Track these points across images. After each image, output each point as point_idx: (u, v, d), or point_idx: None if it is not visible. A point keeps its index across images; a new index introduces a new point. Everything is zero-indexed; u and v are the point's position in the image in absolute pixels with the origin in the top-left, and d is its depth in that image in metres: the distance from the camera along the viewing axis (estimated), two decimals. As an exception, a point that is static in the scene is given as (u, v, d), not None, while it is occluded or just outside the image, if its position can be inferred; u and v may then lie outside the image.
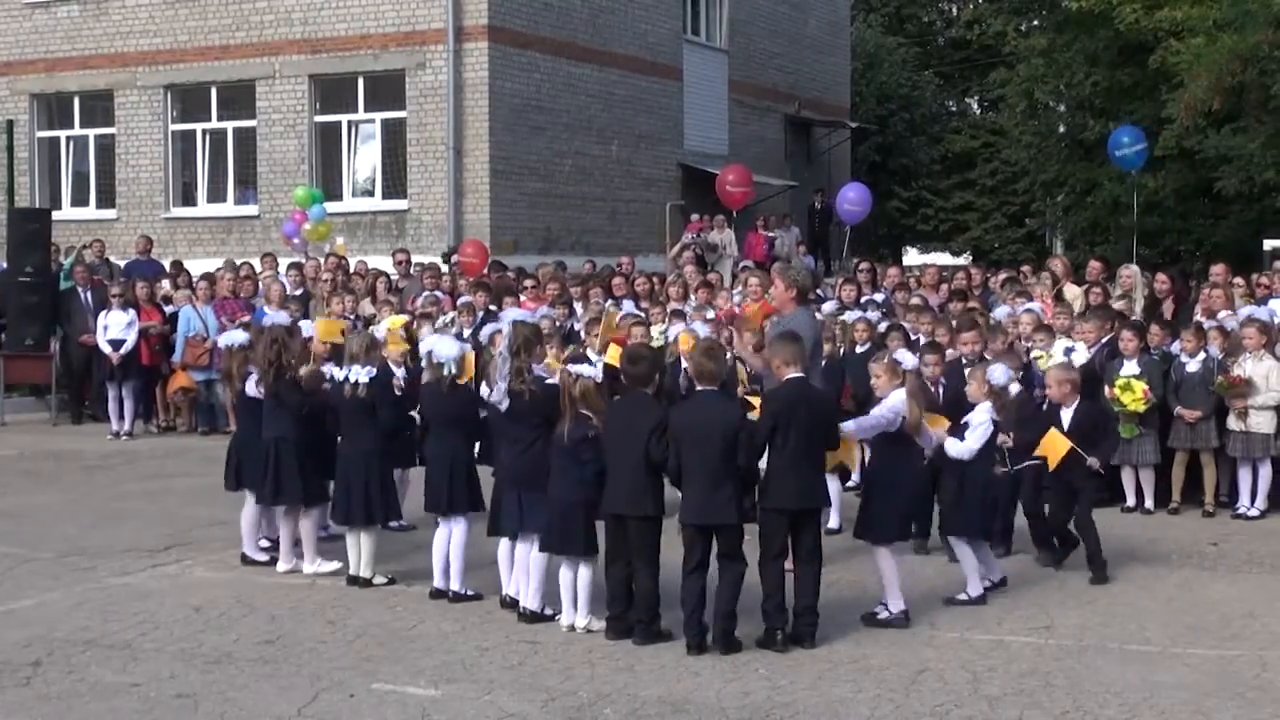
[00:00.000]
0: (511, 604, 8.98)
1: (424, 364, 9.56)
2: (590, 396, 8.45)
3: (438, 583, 9.40)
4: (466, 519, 9.39)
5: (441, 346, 9.50)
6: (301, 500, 10.07)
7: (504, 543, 9.05)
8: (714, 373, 8.36)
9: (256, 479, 10.20)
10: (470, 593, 9.32)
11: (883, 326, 13.52)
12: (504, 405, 8.90)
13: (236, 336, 10.75)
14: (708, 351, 8.50)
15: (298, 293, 17.56)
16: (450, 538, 9.36)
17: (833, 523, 11.46)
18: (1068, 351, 12.56)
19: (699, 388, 8.46)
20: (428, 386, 9.60)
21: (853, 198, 23.96)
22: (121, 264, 21.80)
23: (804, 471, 8.23)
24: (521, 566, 8.86)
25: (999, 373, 9.25)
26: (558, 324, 13.69)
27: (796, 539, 8.30)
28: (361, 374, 9.70)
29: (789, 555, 8.29)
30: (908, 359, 9.08)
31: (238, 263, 20.04)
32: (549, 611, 8.74)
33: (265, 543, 10.61)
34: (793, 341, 8.62)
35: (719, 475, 8.07)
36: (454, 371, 9.39)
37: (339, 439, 9.95)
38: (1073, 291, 15.26)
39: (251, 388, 10.30)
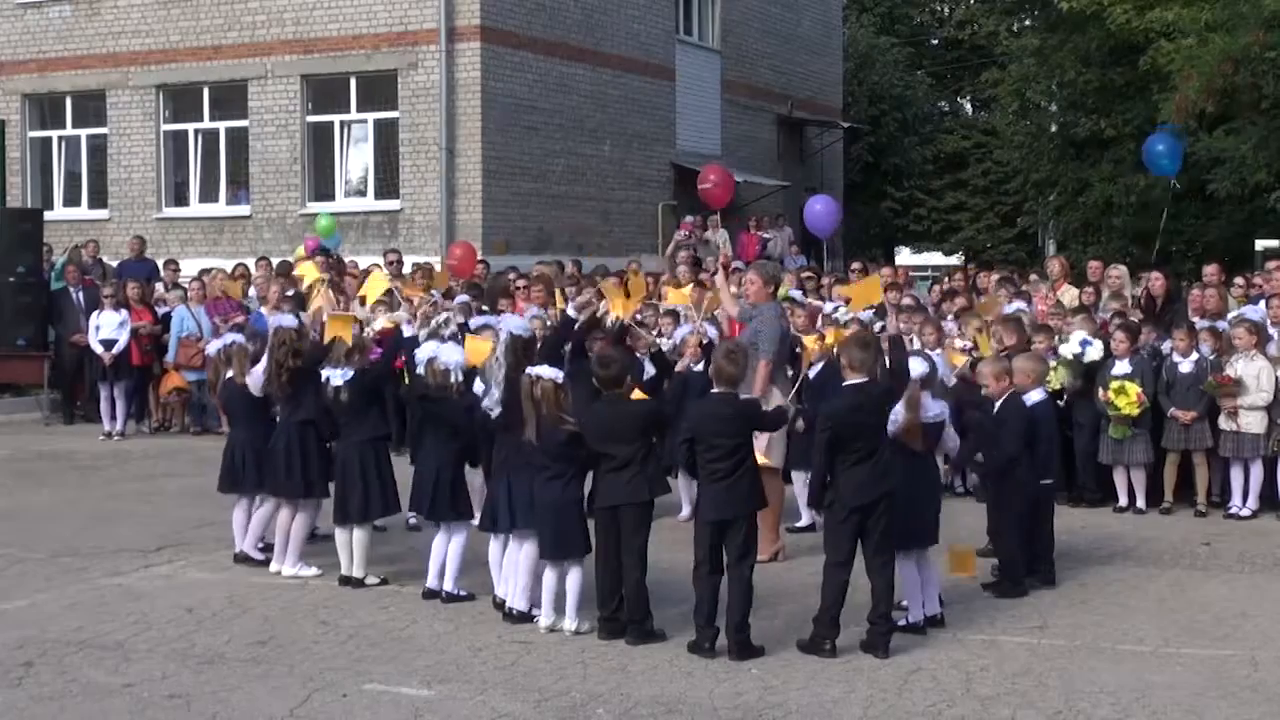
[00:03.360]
0: (503, 605, 8.99)
1: (422, 370, 9.54)
2: (550, 398, 8.46)
3: (431, 583, 9.41)
4: (467, 525, 9.39)
5: (445, 353, 9.49)
6: (327, 492, 10.09)
7: (494, 544, 9.06)
8: (732, 376, 8.37)
9: (274, 474, 10.17)
10: (463, 593, 9.32)
11: (878, 327, 13.53)
12: (495, 413, 8.94)
13: (214, 346, 10.78)
14: (728, 355, 8.49)
15: (289, 293, 17.52)
16: (449, 543, 9.37)
17: (804, 520, 11.49)
18: (1084, 344, 12.57)
19: (715, 389, 8.46)
20: (423, 391, 9.59)
21: (820, 210, 23.82)
22: (114, 264, 21.75)
23: (867, 468, 8.17)
24: (511, 566, 8.87)
25: (915, 366, 8.74)
26: (548, 324, 13.64)
27: (865, 540, 8.22)
28: (336, 376, 9.73)
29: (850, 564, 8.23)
30: (914, 368, 8.72)
31: (231, 264, 20.03)
32: (536, 612, 8.74)
33: (260, 543, 10.60)
34: (863, 348, 8.55)
35: (736, 471, 8.12)
36: (459, 378, 9.40)
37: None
38: (1070, 294, 15.27)
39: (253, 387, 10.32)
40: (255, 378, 10.29)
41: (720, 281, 12.13)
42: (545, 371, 8.57)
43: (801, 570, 9.55)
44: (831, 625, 8.11)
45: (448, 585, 9.33)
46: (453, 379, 9.38)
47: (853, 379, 8.39)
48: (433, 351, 9.53)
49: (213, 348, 10.98)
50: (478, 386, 9.40)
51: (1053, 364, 12.09)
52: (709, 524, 8.18)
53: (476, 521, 9.37)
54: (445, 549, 9.37)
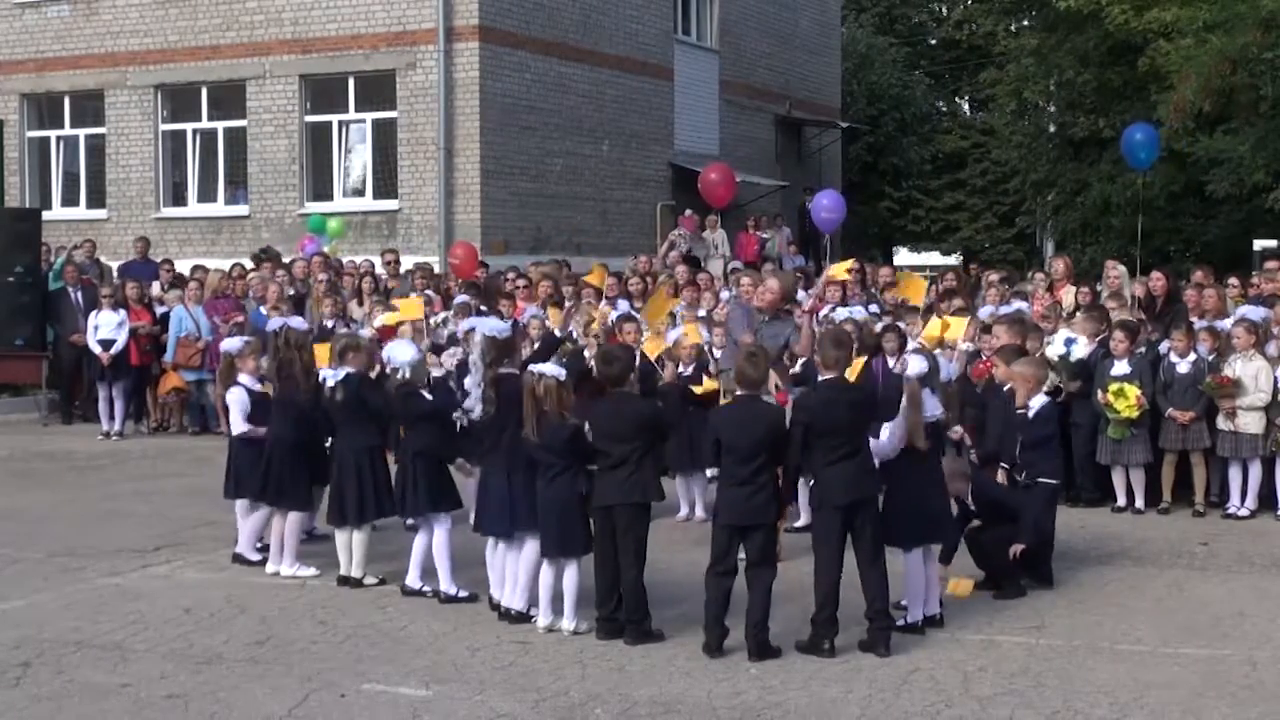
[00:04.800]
0: (498, 607, 8.99)
1: (388, 369, 9.64)
2: (553, 396, 8.46)
3: (409, 580, 9.41)
4: (446, 519, 9.41)
5: (396, 351, 9.56)
6: (299, 503, 10.12)
7: (490, 543, 9.06)
8: (755, 379, 8.34)
9: (255, 480, 10.19)
10: (462, 594, 9.31)
11: (878, 327, 13.53)
12: (475, 413, 8.95)
13: (234, 344, 10.74)
14: (750, 358, 8.46)
15: (289, 293, 17.54)
16: (429, 539, 9.39)
17: (801, 520, 11.50)
18: (1068, 343, 12.58)
19: (739, 392, 8.41)
20: (395, 390, 9.66)
21: (826, 204, 23.89)
22: (114, 265, 21.75)
23: (851, 466, 8.14)
24: (509, 567, 8.86)
25: (915, 363, 8.67)
26: (546, 323, 13.64)
27: (855, 539, 8.20)
28: (330, 376, 9.77)
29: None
30: (914, 365, 8.67)
31: (229, 264, 20.03)
32: (534, 612, 8.74)
33: (259, 543, 10.59)
34: (836, 346, 8.51)
35: (756, 477, 8.11)
36: (407, 376, 9.44)
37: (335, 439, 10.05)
38: (1072, 293, 15.26)
39: (247, 383, 10.30)
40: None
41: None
42: (548, 369, 8.57)
43: (800, 570, 9.50)
44: (828, 624, 8.10)
45: (442, 585, 9.33)
46: (400, 377, 9.43)
47: (825, 375, 8.41)
48: (387, 352, 9.62)
49: (232, 344, 10.86)
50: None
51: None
52: (726, 528, 8.16)
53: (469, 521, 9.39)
54: (424, 546, 9.39)
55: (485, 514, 8.95)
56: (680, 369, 12.12)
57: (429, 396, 9.54)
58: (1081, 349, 12.62)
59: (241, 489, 10.44)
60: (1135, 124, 20.90)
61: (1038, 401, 10.00)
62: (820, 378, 8.50)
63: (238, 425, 10.38)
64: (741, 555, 8.25)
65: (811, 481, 11.95)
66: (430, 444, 9.45)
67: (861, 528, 8.19)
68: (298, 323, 10.51)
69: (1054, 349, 12.47)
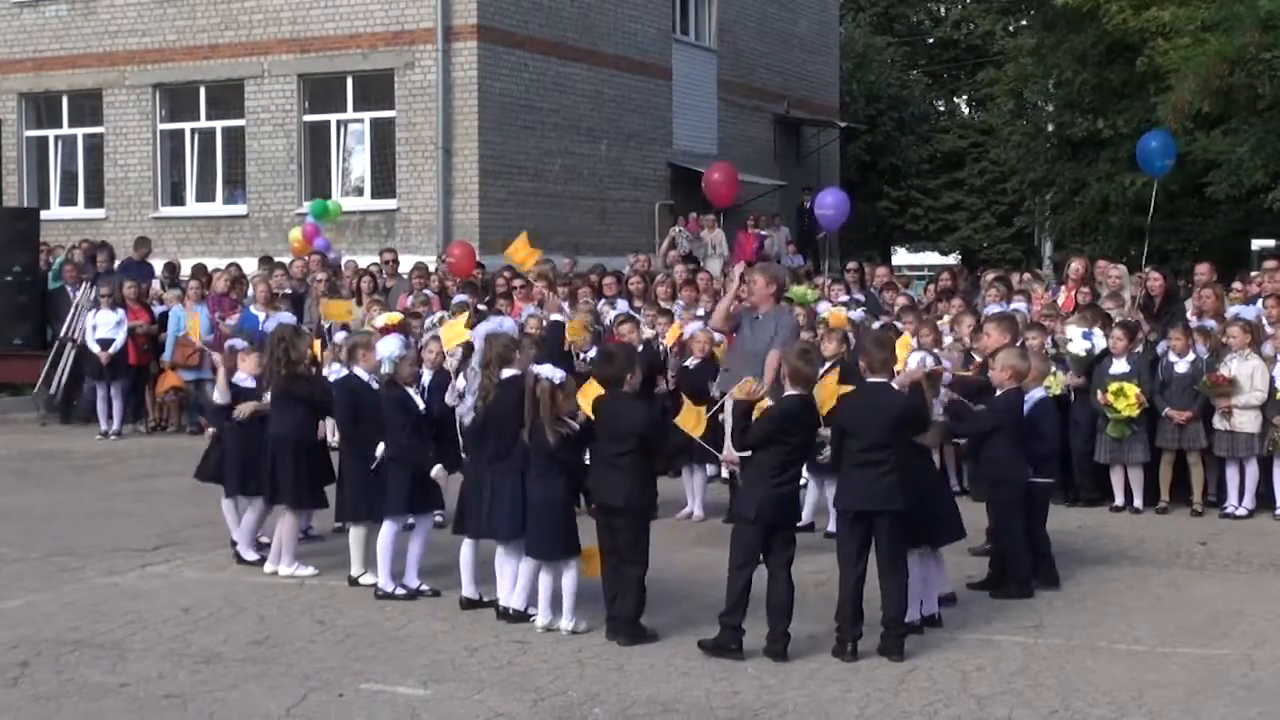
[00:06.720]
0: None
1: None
2: (546, 398, 8.43)
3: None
4: (390, 519, 9.45)
5: (380, 345, 9.58)
6: (297, 501, 10.12)
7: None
8: (810, 377, 8.23)
9: (256, 479, 10.20)
10: (399, 591, 9.33)
11: (876, 325, 13.58)
12: (469, 418, 8.93)
13: (236, 344, 10.76)
14: (802, 355, 8.36)
15: (288, 292, 17.54)
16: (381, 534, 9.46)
17: (804, 518, 11.49)
18: (1087, 335, 12.58)
19: (790, 391, 8.30)
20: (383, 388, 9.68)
21: (829, 202, 23.92)
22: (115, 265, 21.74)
23: (871, 475, 8.06)
24: (508, 567, 8.85)
25: (915, 359, 8.62)
26: (544, 323, 13.64)
27: (875, 547, 8.13)
28: (333, 374, 9.83)
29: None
30: (914, 361, 8.66)
31: (225, 263, 20.04)
32: (532, 611, 8.73)
33: (264, 539, 10.59)
34: (880, 347, 8.43)
35: (796, 478, 8.18)
36: (390, 371, 9.45)
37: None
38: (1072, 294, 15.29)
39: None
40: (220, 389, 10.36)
41: (729, 286, 12.15)
42: (545, 371, 8.55)
43: (798, 570, 9.52)
44: (846, 624, 8.03)
45: (380, 580, 9.40)
46: (384, 371, 9.50)
47: (873, 378, 8.28)
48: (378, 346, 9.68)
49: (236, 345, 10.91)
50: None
51: (1053, 369, 12.02)
52: (764, 525, 8.10)
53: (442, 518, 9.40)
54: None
55: (497, 516, 8.91)
56: (689, 363, 12.14)
57: (416, 396, 9.53)
58: (1101, 340, 12.64)
59: (229, 485, 10.46)
60: (1150, 131, 20.79)
61: (1036, 394, 9.99)
62: (867, 379, 8.34)
63: (221, 394, 10.47)
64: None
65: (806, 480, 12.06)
66: (398, 448, 9.44)
67: (878, 538, 8.11)
68: (286, 318, 10.51)
69: (1075, 346, 12.45)
